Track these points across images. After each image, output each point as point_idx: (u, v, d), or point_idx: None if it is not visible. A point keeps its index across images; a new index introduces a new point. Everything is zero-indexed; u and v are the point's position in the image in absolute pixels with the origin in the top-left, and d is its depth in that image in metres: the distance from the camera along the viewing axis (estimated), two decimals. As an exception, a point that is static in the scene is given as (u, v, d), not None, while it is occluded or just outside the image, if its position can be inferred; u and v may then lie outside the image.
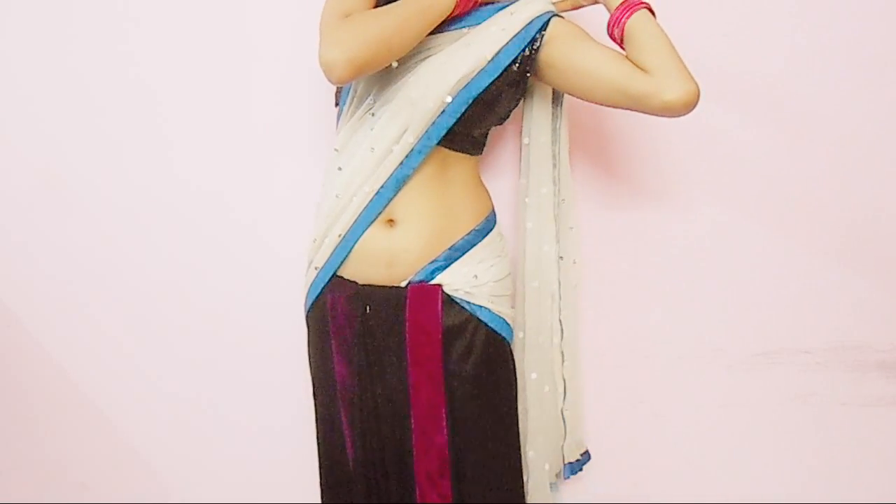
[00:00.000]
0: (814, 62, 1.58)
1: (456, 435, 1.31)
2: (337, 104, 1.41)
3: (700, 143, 1.61)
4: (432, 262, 1.32)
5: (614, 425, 1.66)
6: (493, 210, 1.41)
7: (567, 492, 1.63)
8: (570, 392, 1.52)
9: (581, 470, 1.57)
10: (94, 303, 1.66)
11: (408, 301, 1.31)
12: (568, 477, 1.55)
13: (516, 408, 1.39)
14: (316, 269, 1.37)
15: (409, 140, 1.28)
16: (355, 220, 1.32)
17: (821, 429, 1.67)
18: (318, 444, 1.43)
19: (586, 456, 1.59)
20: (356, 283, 1.34)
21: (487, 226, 1.38)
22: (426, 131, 1.28)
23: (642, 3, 1.24)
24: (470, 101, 1.28)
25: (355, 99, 1.34)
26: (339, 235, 1.33)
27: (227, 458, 1.69)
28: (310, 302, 1.40)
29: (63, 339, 1.67)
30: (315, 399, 1.42)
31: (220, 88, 1.60)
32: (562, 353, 1.50)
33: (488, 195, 1.41)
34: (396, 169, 1.30)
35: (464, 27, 1.30)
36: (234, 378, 1.67)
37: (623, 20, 1.24)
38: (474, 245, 1.35)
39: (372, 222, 1.32)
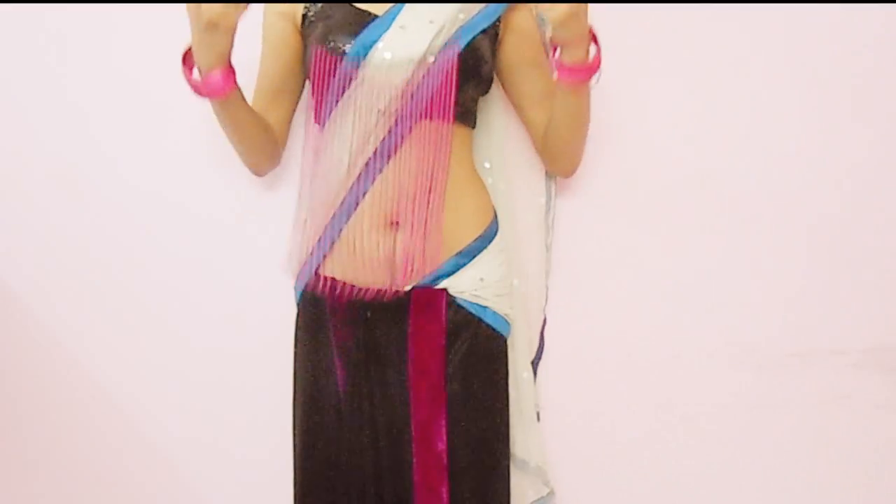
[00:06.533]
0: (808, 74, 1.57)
1: (454, 438, 1.29)
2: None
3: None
4: (438, 267, 1.30)
5: (637, 428, 1.62)
6: (496, 214, 1.39)
7: (576, 494, 1.59)
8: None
9: None
10: (93, 303, 1.66)
11: (411, 306, 1.29)
12: None
13: (508, 405, 1.37)
14: (299, 263, 1.36)
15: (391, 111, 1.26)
16: (342, 213, 1.29)
17: (855, 433, 1.63)
18: (299, 453, 1.38)
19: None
20: (358, 287, 1.30)
21: (492, 230, 1.36)
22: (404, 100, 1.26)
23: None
24: (456, 57, 1.25)
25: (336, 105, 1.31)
26: (330, 232, 1.31)
27: (228, 458, 1.68)
28: (299, 294, 1.38)
29: (61, 339, 1.68)
30: (301, 406, 1.38)
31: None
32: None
33: (489, 198, 1.39)
34: (384, 138, 1.27)
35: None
36: (234, 378, 1.66)
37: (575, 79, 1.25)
38: (481, 251, 1.33)
39: (358, 205, 1.28)
